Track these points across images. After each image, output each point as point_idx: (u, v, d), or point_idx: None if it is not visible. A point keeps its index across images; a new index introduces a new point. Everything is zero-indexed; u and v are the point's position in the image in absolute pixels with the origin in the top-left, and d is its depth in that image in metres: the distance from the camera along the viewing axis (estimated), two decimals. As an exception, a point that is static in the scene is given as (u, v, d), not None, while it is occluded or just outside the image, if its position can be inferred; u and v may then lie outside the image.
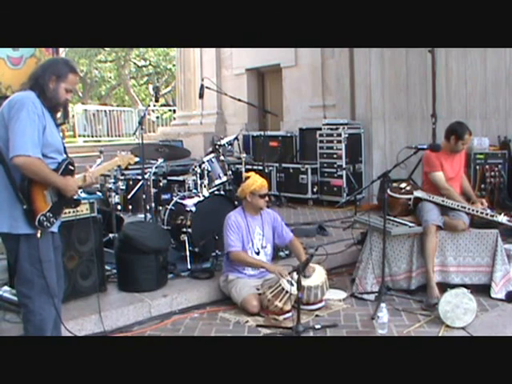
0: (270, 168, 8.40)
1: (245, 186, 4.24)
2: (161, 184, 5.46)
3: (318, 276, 4.12)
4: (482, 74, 7.03)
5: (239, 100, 6.26)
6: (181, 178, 5.77)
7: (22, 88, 2.79)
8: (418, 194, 4.52)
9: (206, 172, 5.16)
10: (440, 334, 3.60)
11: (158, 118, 19.25)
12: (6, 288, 3.83)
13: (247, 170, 5.71)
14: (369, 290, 4.35)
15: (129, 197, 5.45)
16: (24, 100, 2.68)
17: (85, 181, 3.01)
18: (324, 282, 4.09)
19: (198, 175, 5.17)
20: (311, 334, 3.67)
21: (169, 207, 5.08)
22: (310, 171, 8.02)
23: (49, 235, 2.83)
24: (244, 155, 6.02)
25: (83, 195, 3.80)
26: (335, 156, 7.75)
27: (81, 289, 3.92)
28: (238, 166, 7.24)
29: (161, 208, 5.28)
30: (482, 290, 4.24)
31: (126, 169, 4.63)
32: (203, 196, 4.95)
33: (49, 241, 2.82)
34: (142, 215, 5.15)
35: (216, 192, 5.20)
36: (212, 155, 5.32)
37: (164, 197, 5.49)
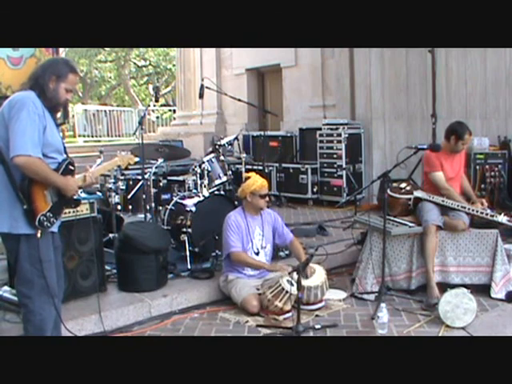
0: (270, 168, 8.40)
1: (245, 186, 4.24)
2: (161, 184, 5.46)
3: (317, 276, 4.12)
4: (482, 74, 7.03)
5: (239, 100, 6.26)
6: (181, 177, 5.77)
7: (22, 88, 2.79)
8: (418, 194, 4.52)
9: (205, 172, 5.16)
10: (440, 334, 3.60)
11: (158, 117, 19.25)
12: (6, 288, 3.83)
13: (247, 170, 5.72)
14: (369, 290, 4.35)
15: (129, 197, 5.45)
16: (24, 100, 2.68)
17: (85, 181, 3.01)
18: (324, 282, 4.09)
19: (198, 175, 5.17)
20: (311, 334, 3.67)
21: (169, 207, 5.08)
22: (309, 171, 8.02)
23: (49, 235, 2.83)
24: (244, 155, 6.02)
25: (83, 195, 3.80)
26: (335, 156, 7.75)
27: (81, 289, 3.92)
28: (237, 165, 7.24)
29: (161, 208, 5.28)
30: (482, 290, 4.24)
31: (126, 169, 4.63)
32: (203, 196, 4.95)
33: (49, 241, 2.82)
34: (142, 215, 5.15)
35: (216, 192, 5.20)
36: (212, 155, 5.32)
37: (164, 197, 5.50)
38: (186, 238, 4.73)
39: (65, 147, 2.93)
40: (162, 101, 22.89)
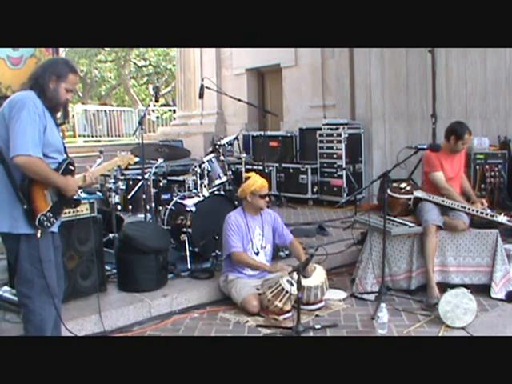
0: (270, 168, 8.40)
1: (245, 186, 4.24)
2: (161, 184, 5.46)
3: (317, 276, 4.12)
4: (482, 74, 7.03)
5: (239, 100, 6.26)
6: (181, 178, 5.77)
7: (23, 88, 2.80)
8: (418, 194, 4.52)
9: (206, 172, 5.16)
10: (440, 334, 3.60)
11: (158, 117, 19.25)
12: (6, 288, 3.83)
13: (247, 170, 5.72)
14: (369, 290, 4.35)
15: (129, 197, 5.45)
16: (25, 100, 2.69)
17: (85, 181, 3.01)
18: (324, 282, 4.09)
19: (198, 175, 5.17)
20: (311, 334, 3.67)
21: (169, 207, 5.08)
22: (310, 171, 8.02)
23: (49, 235, 2.83)
24: (244, 155, 6.02)
25: (83, 195, 3.80)
26: (335, 156, 7.75)
27: (81, 289, 3.92)
28: (237, 165, 7.24)
29: (161, 208, 5.28)
30: (481, 290, 4.24)
31: (126, 169, 4.63)
32: (203, 196, 4.95)
33: (49, 241, 2.82)
34: (142, 215, 5.15)
35: (216, 192, 5.20)
36: (212, 155, 5.32)
37: (164, 197, 5.50)
38: (185, 238, 4.73)
39: (65, 147, 2.93)
40: (161, 101, 22.89)
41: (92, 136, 16.41)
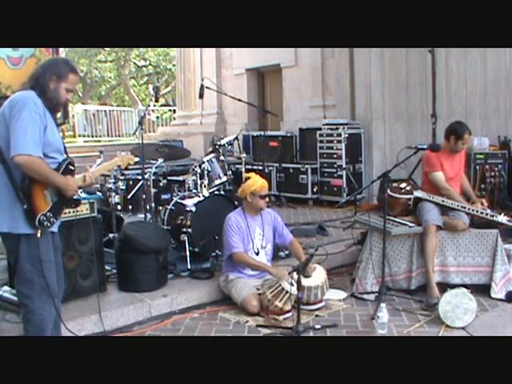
0: (270, 168, 8.40)
1: (245, 186, 4.24)
2: (161, 184, 5.46)
3: (318, 276, 4.12)
4: (482, 74, 7.03)
5: (239, 100, 6.26)
6: (181, 178, 5.77)
7: (23, 88, 2.80)
8: (418, 194, 4.52)
9: (206, 172, 5.16)
10: (440, 334, 3.60)
11: (158, 118, 19.25)
12: (6, 288, 3.83)
13: (247, 170, 5.71)
14: (369, 290, 4.35)
15: (129, 197, 5.45)
16: (25, 99, 2.69)
17: (85, 181, 3.01)
18: (324, 282, 4.09)
19: (198, 175, 5.17)
20: (311, 334, 3.67)
21: (169, 207, 5.08)
22: (309, 171, 8.01)
23: (49, 235, 2.83)
24: (244, 155, 6.01)
25: (83, 195, 3.80)
26: (335, 156, 7.75)
27: (81, 289, 3.92)
28: (237, 165, 7.24)
29: (161, 208, 5.27)
30: (481, 290, 4.24)
31: (126, 169, 4.63)
32: (203, 196, 4.95)
33: (49, 241, 2.83)
34: (142, 215, 5.15)
35: (216, 192, 5.20)
36: (212, 155, 5.32)
37: (164, 197, 5.49)
38: (185, 238, 4.73)
39: (65, 147, 2.93)
40: (161, 101, 22.89)
41: (92, 136, 16.41)
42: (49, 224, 2.76)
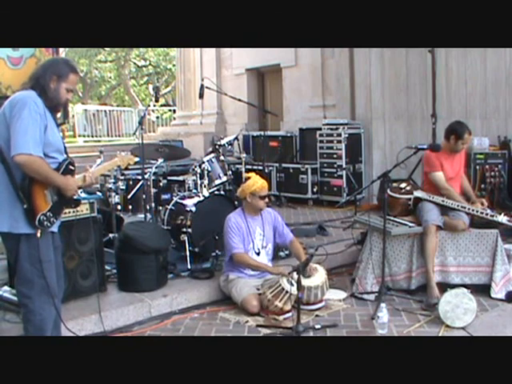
0: (270, 168, 8.40)
1: (245, 186, 4.24)
2: (161, 184, 5.46)
3: (318, 276, 4.12)
4: (482, 74, 7.03)
5: (239, 100, 6.26)
6: (181, 178, 5.77)
7: (23, 87, 2.80)
8: (418, 194, 4.52)
9: (206, 172, 5.16)
10: (440, 334, 3.60)
11: (158, 118, 19.25)
12: (6, 288, 3.83)
13: (247, 170, 5.71)
14: (369, 290, 4.35)
15: (129, 197, 5.45)
16: (26, 99, 2.69)
17: (85, 181, 3.01)
18: (324, 282, 4.08)
19: (198, 175, 5.17)
20: (311, 334, 3.67)
21: (169, 207, 5.08)
22: (309, 171, 8.01)
23: (49, 235, 2.83)
24: (244, 155, 6.01)
25: (83, 195, 3.80)
26: (335, 156, 7.75)
27: (81, 289, 3.92)
28: (238, 165, 7.24)
29: (161, 208, 5.27)
30: (481, 290, 4.24)
31: (126, 169, 4.63)
32: (203, 196, 4.95)
33: (49, 241, 2.83)
34: (142, 215, 5.15)
35: (216, 192, 5.20)
36: (212, 155, 5.32)
37: (164, 197, 5.49)
38: (185, 238, 4.73)
39: (65, 147, 2.93)
40: (161, 101, 22.88)
41: (92, 136, 16.41)
42: (49, 224, 2.76)
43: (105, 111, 17.79)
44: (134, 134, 6.82)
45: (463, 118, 6.14)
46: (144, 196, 5.12)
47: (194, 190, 5.26)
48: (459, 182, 4.67)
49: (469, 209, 4.38)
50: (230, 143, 5.87)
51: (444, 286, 4.12)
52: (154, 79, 25.18)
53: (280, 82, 10.39)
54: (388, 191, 4.47)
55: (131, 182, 5.48)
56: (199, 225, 4.76)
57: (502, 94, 6.88)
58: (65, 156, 2.89)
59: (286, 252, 4.93)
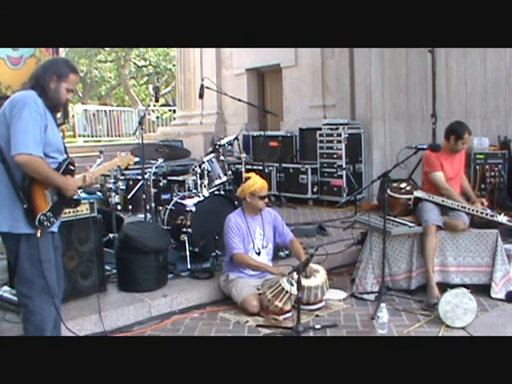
0: (270, 168, 8.40)
1: (245, 186, 4.24)
2: (161, 184, 5.46)
3: (318, 276, 4.12)
4: (482, 74, 7.03)
5: (239, 100, 6.26)
6: (181, 177, 5.77)
7: (23, 87, 2.80)
8: (418, 194, 4.52)
9: (206, 172, 5.16)
10: (440, 334, 3.60)
11: (158, 118, 19.25)
12: (6, 288, 3.83)
13: (247, 170, 5.71)
14: (369, 290, 4.35)
15: (129, 197, 5.45)
16: (26, 99, 2.69)
17: (85, 181, 3.01)
18: (324, 282, 4.09)
19: (198, 175, 5.17)
20: (311, 334, 3.67)
21: (169, 207, 5.08)
22: (309, 171, 8.01)
23: (49, 235, 2.83)
24: (244, 155, 6.01)
25: (83, 195, 3.80)
26: (335, 156, 7.75)
27: (81, 289, 3.92)
28: (238, 165, 7.24)
29: (161, 208, 5.27)
30: (481, 290, 4.24)
31: (126, 169, 4.63)
32: (203, 196, 4.95)
33: (49, 241, 2.83)
34: (142, 215, 5.15)
35: (216, 192, 5.20)
36: (212, 155, 5.32)
37: (164, 197, 5.49)
38: (185, 238, 4.73)
39: (65, 147, 2.93)
40: (161, 101, 22.88)
41: (92, 136, 16.41)
42: (49, 224, 2.76)
43: (105, 111, 17.79)
44: (134, 133, 6.82)
45: (463, 118, 6.15)
46: (144, 196, 5.12)
47: (194, 190, 5.26)
48: (459, 182, 4.67)
49: (469, 209, 4.38)
50: (230, 143, 5.87)
51: (444, 286, 4.12)
52: (154, 79, 25.18)
53: (280, 82, 10.39)
54: (388, 191, 4.47)
55: (131, 182, 5.48)
56: (199, 225, 4.76)
57: (502, 94, 6.88)
58: (65, 156, 2.89)
59: (286, 252, 4.93)
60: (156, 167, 5.36)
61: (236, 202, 4.96)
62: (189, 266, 4.63)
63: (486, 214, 4.36)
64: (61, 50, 8.37)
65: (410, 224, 4.38)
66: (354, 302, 4.29)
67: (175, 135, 11.50)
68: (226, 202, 5.01)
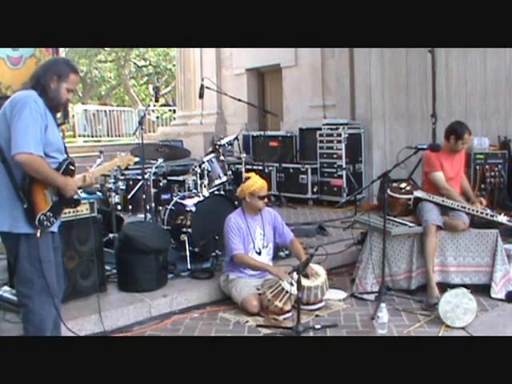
0: (270, 168, 8.40)
1: (244, 186, 4.24)
2: (161, 184, 5.46)
3: (318, 276, 4.12)
4: (482, 74, 7.03)
5: (239, 100, 6.26)
6: (181, 178, 5.77)
7: (24, 87, 2.80)
8: (418, 194, 4.52)
9: (206, 172, 5.16)
10: (440, 334, 3.60)
11: (158, 118, 19.25)
12: (6, 288, 3.83)
13: (247, 170, 5.71)
14: (369, 290, 4.35)
15: (129, 197, 5.45)
16: (26, 99, 2.69)
17: (85, 181, 3.01)
18: (324, 282, 4.09)
19: (198, 175, 5.17)
20: (311, 334, 3.67)
21: (169, 207, 5.08)
22: (309, 171, 8.01)
23: (49, 235, 2.83)
24: (244, 155, 6.01)
25: (83, 195, 3.80)
26: (335, 156, 7.75)
27: (81, 289, 3.92)
28: (238, 165, 7.24)
29: (161, 208, 5.27)
30: (481, 290, 4.24)
31: (126, 169, 4.63)
32: (203, 196, 4.95)
33: (49, 241, 2.83)
34: (142, 215, 5.15)
35: (216, 192, 5.20)
36: (212, 155, 5.32)
37: (164, 197, 5.49)
38: (185, 238, 4.73)
39: (65, 147, 2.93)
40: (161, 101, 22.89)
41: (92, 136, 16.41)
42: (48, 224, 2.76)
43: (105, 111, 17.79)
44: (134, 133, 6.82)
45: (463, 118, 6.15)
46: (144, 196, 5.12)
47: (194, 190, 5.26)
48: (459, 182, 4.67)
49: (469, 209, 4.38)
50: (230, 143, 5.87)
51: (444, 286, 4.12)
52: (154, 79, 25.18)
53: (280, 82, 10.39)
54: (388, 191, 4.47)
55: (131, 182, 5.48)
56: (199, 225, 4.76)
57: (502, 94, 6.88)
58: (65, 156, 2.89)
59: (286, 252, 4.93)
60: (156, 167, 5.36)
61: (236, 202, 4.96)
62: (189, 266, 4.63)
63: (486, 214, 4.36)
64: (61, 50, 8.37)
65: (410, 224, 4.38)
66: (354, 302, 4.29)
67: (175, 135, 11.50)
68: (226, 202, 5.01)
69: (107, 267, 4.35)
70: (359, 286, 4.43)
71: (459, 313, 3.66)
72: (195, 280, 4.44)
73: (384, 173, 4.27)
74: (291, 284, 3.75)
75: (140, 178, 5.33)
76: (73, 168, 2.88)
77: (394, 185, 4.72)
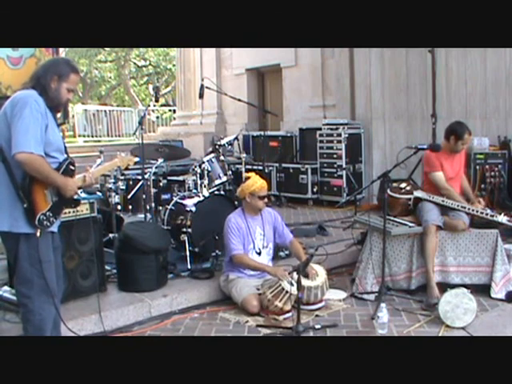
0: (270, 168, 8.40)
1: (244, 186, 4.24)
2: (161, 184, 5.46)
3: (317, 276, 4.12)
4: (482, 74, 7.03)
5: (239, 100, 6.26)
6: (181, 177, 5.77)
7: (24, 87, 2.80)
8: (418, 194, 4.52)
9: (206, 172, 5.16)
10: (440, 334, 3.60)
11: (158, 117, 19.25)
12: (6, 288, 3.83)
13: (247, 170, 5.71)
14: (369, 290, 4.35)
15: (129, 197, 5.45)
16: (27, 98, 2.69)
17: (85, 181, 3.01)
18: (324, 282, 4.09)
19: (198, 175, 5.17)
20: (311, 334, 3.67)
21: (169, 207, 5.08)
22: (309, 171, 8.01)
23: (48, 235, 2.83)
24: (244, 155, 6.01)
25: (83, 195, 3.80)
26: (335, 156, 7.75)
27: (81, 289, 3.92)
28: (238, 165, 7.24)
29: (161, 208, 5.27)
30: (481, 290, 4.24)
31: (126, 169, 4.63)
32: (203, 196, 4.95)
33: (48, 241, 2.83)
34: (142, 215, 5.15)
35: (216, 192, 5.20)
36: (212, 155, 5.32)
37: (164, 197, 5.49)
38: (185, 238, 4.73)
39: (65, 147, 2.93)
40: (161, 101, 22.88)
41: (92, 136, 16.41)
42: (48, 224, 2.76)
43: (105, 111, 17.79)
44: (134, 133, 6.82)
45: (463, 118, 6.15)
46: (144, 196, 5.12)
47: (194, 190, 5.26)
48: (459, 182, 4.67)
49: (469, 209, 4.38)
50: (230, 143, 5.87)
51: (444, 286, 4.12)
52: (154, 79, 25.18)
53: (280, 82, 10.39)
54: (388, 191, 4.47)
55: (131, 182, 5.48)
56: (199, 225, 4.76)
57: (502, 94, 6.88)
58: (65, 156, 2.89)
59: (286, 252, 4.93)
60: (156, 167, 5.36)
61: (236, 202, 4.96)
62: (189, 266, 4.63)
63: (486, 214, 4.36)
64: (61, 50, 8.37)
65: (410, 224, 4.38)
66: (354, 302, 4.29)
67: (175, 135, 11.50)
68: (226, 202, 5.01)
69: (107, 267, 4.35)
70: (359, 286, 4.43)
71: (459, 313, 3.66)
72: (195, 280, 4.44)
73: (384, 173, 4.27)
74: (291, 284, 3.75)
75: (140, 177, 5.33)
76: (73, 168, 2.88)
77: (394, 185, 4.72)
